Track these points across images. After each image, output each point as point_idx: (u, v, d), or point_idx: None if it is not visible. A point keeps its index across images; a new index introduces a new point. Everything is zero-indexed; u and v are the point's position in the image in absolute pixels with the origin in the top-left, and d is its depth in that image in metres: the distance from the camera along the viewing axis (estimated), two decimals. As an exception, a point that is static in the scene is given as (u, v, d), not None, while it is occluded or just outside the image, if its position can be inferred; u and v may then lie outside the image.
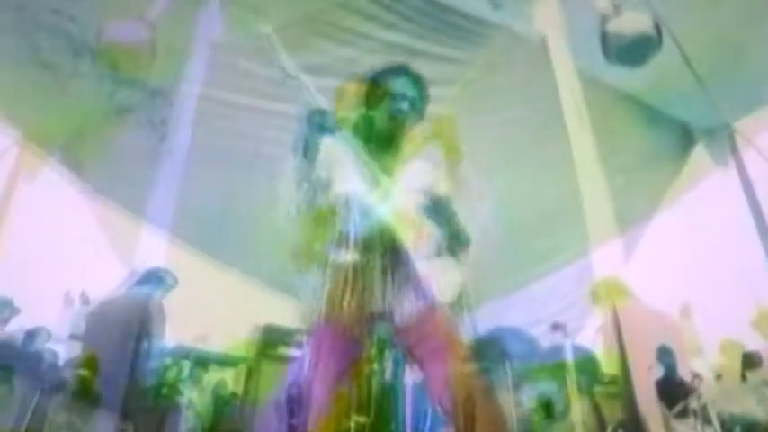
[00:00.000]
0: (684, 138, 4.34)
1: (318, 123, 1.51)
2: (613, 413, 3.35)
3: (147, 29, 2.93)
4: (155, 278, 3.55)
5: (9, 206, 3.97)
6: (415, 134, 1.74)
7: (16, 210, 4.01)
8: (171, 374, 3.53)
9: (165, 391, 3.42)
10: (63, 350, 3.89)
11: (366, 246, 1.54)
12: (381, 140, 1.70)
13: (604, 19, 2.80)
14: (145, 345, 3.17)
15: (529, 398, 3.50)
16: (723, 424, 2.96)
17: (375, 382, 1.72)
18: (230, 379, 4.16)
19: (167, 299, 3.54)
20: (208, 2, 3.32)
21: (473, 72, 3.98)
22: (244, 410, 3.49)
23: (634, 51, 2.80)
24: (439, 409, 1.55)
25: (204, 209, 4.48)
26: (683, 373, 3.30)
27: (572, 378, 3.30)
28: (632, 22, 2.75)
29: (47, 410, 2.90)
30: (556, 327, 3.78)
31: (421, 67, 1.78)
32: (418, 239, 1.56)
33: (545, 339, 4.00)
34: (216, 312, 4.71)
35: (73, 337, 3.72)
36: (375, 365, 1.67)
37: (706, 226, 4.38)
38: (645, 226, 4.77)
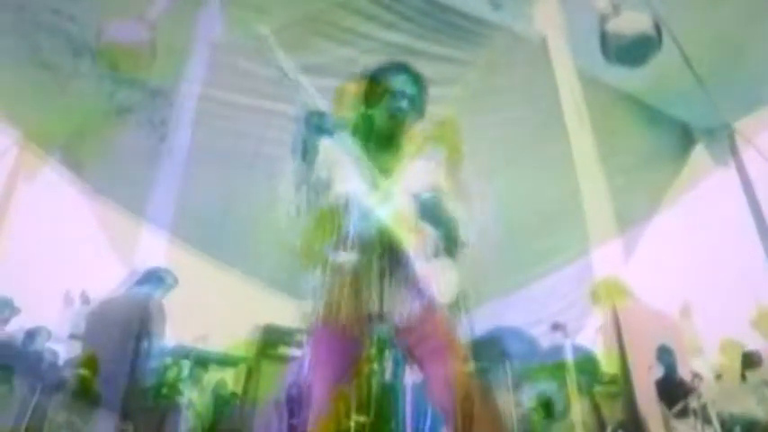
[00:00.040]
0: (684, 138, 4.34)
1: (316, 125, 1.50)
2: (613, 413, 3.35)
3: (147, 29, 2.93)
4: (155, 278, 3.55)
5: (9, 206, 3.98)
6: (416, 134, 1.74)
7: (16, 210, 4.01)
8: (171, 374, 3.54)
9: (165, 390, 3.43)
10: (63, 350, 3.90)
11: (365, 246, 1.54)
12: (381, 139, 1.70)
13: (604, 19, 2.80)
14: (145, 344, 3.17)
15: (529, 398, 3.50)
16: (723, 424, 2.97)
17: (375, 381, 1.72)
18: (230, 379, 4.17)
19: (167, 299, 3.54)
20: (208, 1, 3.32)
21: (473, 72, 3.98)
22: (244, 410, 3.50)
23: (634, 51, 2.79)
24: (438, 408, 1.55)
25: (204, 209, 4.48)
26: (683, 372, 3.30)
27: (572, 378, 3.30)
28: (632, 22, 2.75)
29: (47, 410, 2.90)
30: (556, 327, 3.78)
31: (421, 67, 1.77)
32: (416, 240, 1.56)
33: (545, 339, 4.00)
34: (216, 312, 4.71)
35: (73, 336, 3.72)
36: (375, 365, 1.68)
37: (706, 226, 4.38)
38: (645, 226, 4.77)
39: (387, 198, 1.58)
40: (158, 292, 3.50)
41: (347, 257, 1.54)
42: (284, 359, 3.60)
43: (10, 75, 3.52)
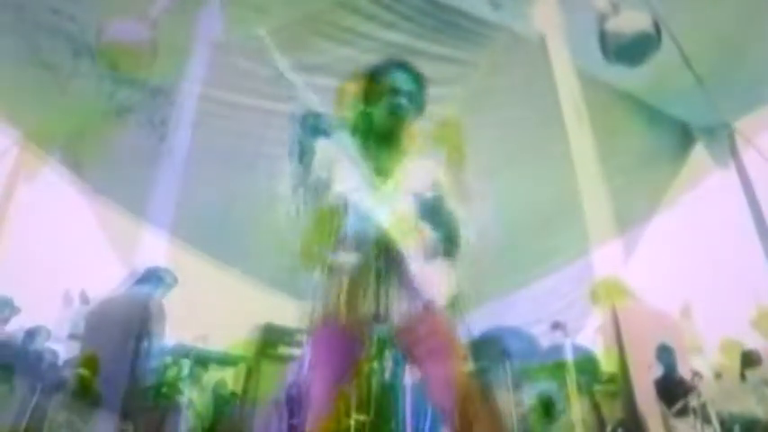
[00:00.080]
0: (684, 137, 4.34)
1: (312, 126, 1.49)
2: (613, 412, 3.35)
3: (148, 28, 2.93)
4: (154, 277, 3.55)
5: (9, 206, 3.98)
6: (417, 132, 1.74)
7: (16, 210, 4.01)
8: (171, 374, 3.54)
9: (165, 390, 3.43)
10: (63, 350, 3.90)
11: (363, 247, 1.54)
12: (381, 137, 1.69)
13: (603, 18, 2.80)
14: (145, 344, 3.17)
15: (529, 397, 3.51)
16: (722, 423, 2.97)
17: (375, 381, 1.73)
18: (230, 378, 4.17)
19: (167, 298, 3.54)
20: (208, 1, 3.32)
21: (473, 72, 3.98)
22: (243, 410, 3.50)
23: (633, 50, 2.80)
24: (437, 408, 1.55)
25: (204, 209, 4.48)
26: (683, 372, 3.30)
27: (572, 377, 3.30)
28: (631, 21, 2.75)
29: (47, 409, 2.90)
30: (556, 326, 3.79)
31: (420, 66, 1.76)
32: (415, 241, 1.56)
33: (545, 339, 4.01)
34: (216, 312, 4.72)
35: (72, 336, 3.72)
36: (375, 365, 1.68)
37: (706, 226, 4.38)
38: (645, 226, 4.77)
39: (386, 198, 1.58)
40: (158, 291, 3.50)
41: (346, 258, 1.54)
42: (284, 359, 3.61)
43: (10, 75, 3.52)
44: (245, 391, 3.57)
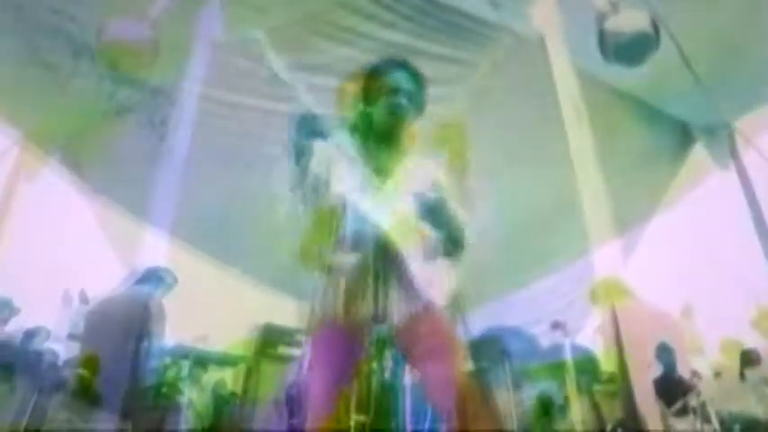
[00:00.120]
0: (683, 136, 4.34)
1: (309, 128, 1.48)
2: (612, 411, 3.36)
3: (149, 27, 2.93)
4: (154, 277, 3.55)
5: (9, 206, 3.98)
6: (418, 133, 1.74)
7: (16, 210, 4.01)
8: (170, 374, 3.54)
9: (164, 390, 3.43)
10: (62, 350, 3.90)
11: (362, 248, 1.54)
12: (381, 137, 1.68)
13: (602, 17, 2.80)
14: (145, 344, 3.17)
15: (529, 397, 3.51)
16: (722, 422, 2.97)
17: (375, 381, 1.72)
18: (229, 378, 4.17)
19: (167, 298, 3.54)
20: (209, 0, 3.33)
21: (473, 71, 3.98)
22: (243, 410, 3.50)
23: (632, 49, 2.80)
24: (437, 408, 1.56)
25: (204, 209, 4.49)
26: (683, 371, 3.30)
27: (571, 377, 3.30)
28: (630, 21, 2.75)
29: (47, 409, 2.90)
30: (555, 325, 3.79)
31: (420, 66, 1.76)
32: (415, 242, 1.55)
33: (545, 338, 4.01)
34: (216, 312, 4.71)
35: (71, 336, 3.72)
36: (374, 364, 1.67)
37: (706, 226, 4.38)
38: (644, 226, 4.78)
39: (385, 198, 1.58)
40: (158, 291, 3.50)
41: (345, 258, 1.54)
42: (284, 359, 3.61)
43: (10, 75, 3.52)
44: (244, 391, 3.57)
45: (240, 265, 5.34)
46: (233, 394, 3.97)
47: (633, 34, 2.75)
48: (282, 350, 3.67)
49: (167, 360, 3.56)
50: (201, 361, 3.87)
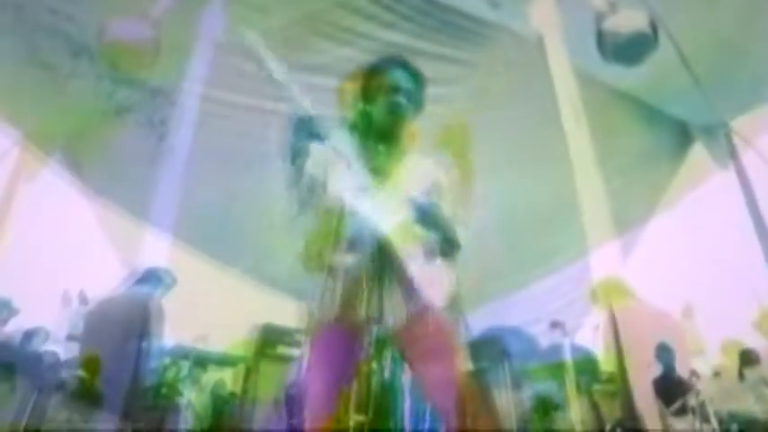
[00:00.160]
0: (682, 135, 4.34)
1: (306, 130, 1.48)
2: (612, 411, 3.36)
3: (151, 27, 2.93)
4: (153, 277, 3.55)
5: (9, 207, 3.98)
6: (417, 131, 1.74)
7: (16, 210, 4.01)
8: (170, 374, 3.54)
9: (164, 391, 3.43)
10: (62, 350, 3.89)
11: (361, 248, 1.54)
12: (380, 136, 1.68)
13: (600, 17, 2.81)
14: (144, 345, 3.17)
15: (528, 397, 3.51)
16: (721, 422, 2.97)
17: (374, 381, 1.73)
18: (229, 379, 4.17)
19: (167, 298, 3.54)
20: (211, 0, 3.33)
21: (472, 71, 3.98)
22: (243, 410, 3.50)
23: (630, 49, 2.80)
24: (436, 408, 1.56)
25: (204, 209, 4.48)
26: (683, 371, 3.30)
27: (571, 377, 3.30)
28: (628, 21, 2.76)
29: (47, 409, 2.90)
30: (555, 325, 3.79)
31: (421, 66, 1.76)
32: (412, 243, 1.55)
33: (544, 338, 4.01)
34: (215, 312, 4.71)
35: (71, 337, 3.71)
36: (374, 365, 1.68)
37: (705, 226, 4.38)
38: (643, 227, 4.78)
39: (384, 199, 1.57)
40: (157, 291, 3.50)
41: (343, 260, 1.54)
42: (283, 359, 3.61)
43: (9, 75, 3.52)
44: (244, 391, 3.57)
45: (240, 265, 5.33)
46: (232, 394, 3.97)
47: (632, 34, 2.75)
48: (282, 350, 3.67)
49: (167, 360, 3.56)
50: (201, 361, 3.87)
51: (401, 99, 1.65)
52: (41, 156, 4.18)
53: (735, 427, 2.99)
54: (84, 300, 4.14)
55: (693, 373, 3.34)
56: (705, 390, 3.15)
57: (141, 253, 3.99)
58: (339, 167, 1.59)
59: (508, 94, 4.03)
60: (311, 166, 1.57)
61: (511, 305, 5.32)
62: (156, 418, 3.24)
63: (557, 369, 3.52)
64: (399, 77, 1.68)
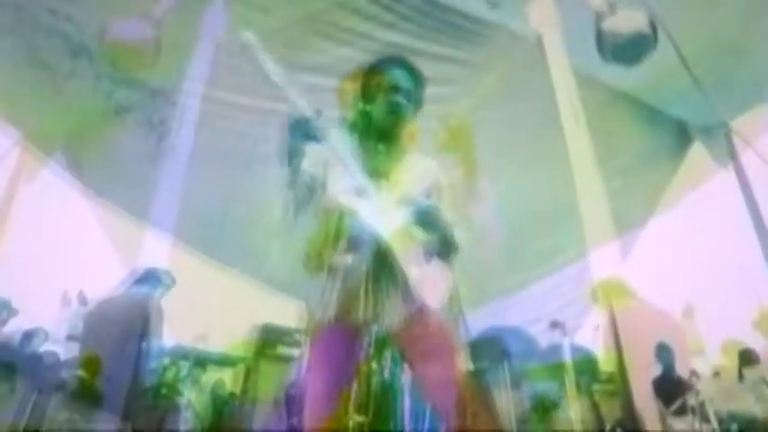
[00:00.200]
0: (682, 135, 4.35)
1: (302, 131, 1.48)
2: (612, 411, 3.36)
3: (152, 27, 2.93)
4: (153, 278, 3.55)
5: (9, 207, 3.98)
6: (416, 131, 1.74)
7: (16, 211, 4.01)
8: (170, 375, 3.54)
9: (164, 391, 3.43)
10: (61, 351, 3.89)
11: (360, 249, 1.54)
12: (380, 135, 1.68)
13: (600, 17, 2.81)
14: (144, 345, 3.17)
15: (528, 397, 3.51)
16: (720, 421, 2.97)
17: (374, 381, 1.73)
18: (229, 379, 4.17)
19: (167, 299, 3.54)
20: (212, 0, 3.33)
21: (472, 71, 3.99)
22: (242, 410, 3.50)
23: (629, 49, 2.80)
24: (436, 409, 1.56)
25: (204, 209, 4.48)
26: (683, 371, 3.31)
27: (570, 377, 3.31)
28: (627, 21, 2.76)
29: (46, 409, 2.90)
30: (554, 325, 3.79)
31: (421, 66, 1.76)
32: (410, 245, 1.55)
33: (544, 338, 4.01)
34: (215, 312, 4.71)
35: (70, 338, 3.72)
36: (374, 365, 1.68)
37: (704, 226, 4.38)
38: (643, 227, 4.78)
39: (383, 200, 1.57)
40: (156, 292, 3.50)
41: (343, 260, 1.54)
42: (283, 359, 3.61)
43: (8, 75, 3.53)
44: (243, 391, 3.57)
45: (240, 265, 5.33)
46: (232, 395, 3.97)
47: (631, 34, 2.75)
48: (282, 350, 3.67)
49: (166, 361, 3.56)
50: (201, 361, 3.87)
51: (401, 99, 1.65)
52: (41, 156, 4.18)
53: (735, 427, 2.99)
54: (83, 300, 4.14)
55: (693, 372, 3.34)
56: (705, 390, 3.15)
57: (141, 253, 3.99)
58: (338, 168, 1.59)
59: (508, 94, 4.03)
60: (311, 165, 1.57)
61: (511, 305, 5.32)
62: (156, 418, 3.24)
63: (556, 369, 3.52)
64: (399, 77, 1.68)
